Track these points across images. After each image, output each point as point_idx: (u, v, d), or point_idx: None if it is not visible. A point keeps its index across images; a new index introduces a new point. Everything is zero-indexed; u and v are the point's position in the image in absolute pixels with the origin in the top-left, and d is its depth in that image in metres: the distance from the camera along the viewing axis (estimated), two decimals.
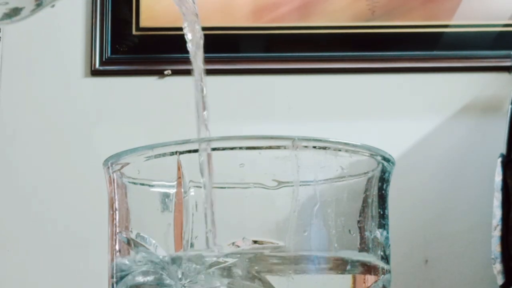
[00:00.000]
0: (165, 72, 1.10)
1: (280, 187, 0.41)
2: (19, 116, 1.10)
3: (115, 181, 0.44)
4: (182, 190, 0.42)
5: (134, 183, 0.44)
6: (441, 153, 1.08)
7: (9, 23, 0.46)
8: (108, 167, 0.45)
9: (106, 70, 1.11)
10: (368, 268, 0.44)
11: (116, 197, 0.44)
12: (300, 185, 0.41)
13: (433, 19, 1.12)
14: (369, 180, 0.44)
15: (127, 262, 0.43)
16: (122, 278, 0.43)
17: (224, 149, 0.42)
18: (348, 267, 0.43)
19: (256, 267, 0.40)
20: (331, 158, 0.41)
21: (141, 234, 0.42)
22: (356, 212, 0.43)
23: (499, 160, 0.92)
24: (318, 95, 1.10)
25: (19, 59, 1.12)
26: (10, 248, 1.07)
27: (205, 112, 0.50)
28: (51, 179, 1.08)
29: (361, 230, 0.43)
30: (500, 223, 0.90)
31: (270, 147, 0.41)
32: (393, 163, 0.45)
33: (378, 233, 0.44)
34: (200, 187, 0.43)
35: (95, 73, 1.11)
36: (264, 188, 0.41)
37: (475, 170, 1.07)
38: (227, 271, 0.40)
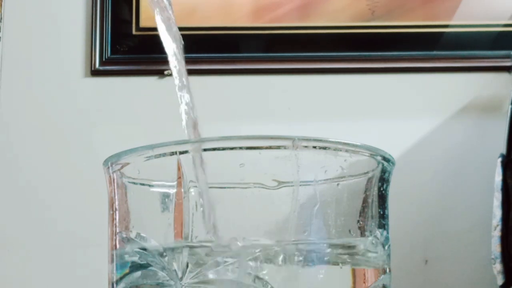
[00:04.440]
0: (165, 72, 1.10)
1: (280, 187, 0.41)
2: (19, 116, 1.10)
3: (115, 181, 0.44)
4: (182, 190, 0.42)
5: (134, 183, 0.44)
6: (441, 153, 1.08)
7: None
8: (108, 167, 0.45)
9: (106, 70, 1.11)
10: (368, 268, 0.44)
11: (116, 197, 0.44)
12: (300, 185, 0.41)
13: (433, 19, 1.12)
14: (369, 180, 0.44)
15: (127, 262, 0.43)
16: (122, 278, 0.43)
17: (224, 149, 0.42)
18: (348, 267, 0.43)
19: (256, 267, 0.40)
20: (331, 158, 0.41)
21: (141, 234, 0.42)
22: (356, 212, 0.43)
23: (499, 160, 0.92)
24: (318, 95, 1.10)
25: (19, 59, 1.12)
26: (10, 248, 1.07)
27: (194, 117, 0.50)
28: (51, 179, 1.08)
29: (361, 230, 0.43)
30: (500, 223, 0.90)
31: (270, 147, 0.41)
32: (393, 163, 0.45)
33: (378, 233, 0.44)
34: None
35: (95, 73, 1.11)
36: (264, 188, 0.41)
37: (475, 170, 1.07)
38: (227, 271, 0.40)
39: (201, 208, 0.42)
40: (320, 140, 0.41)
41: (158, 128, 1.08)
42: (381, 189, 0.45)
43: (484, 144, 1.07)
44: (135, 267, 0.42)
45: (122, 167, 0.44)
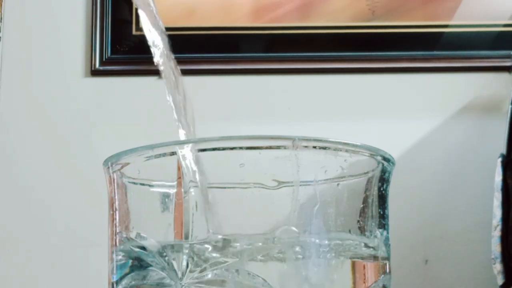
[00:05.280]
0: None
1: (280, 187, 0.41)
2: (19, 116, 1.10)
3: (115, 181, 0.44)
4: (182, 190, 0.42)
5: (134, 183, 0.44)
6: (441, 153, 1.08)
7: None
8: (108, 167, 0.45)
9: (106, 70, 1.11)
10: (368, 268, 0.44)
11: (116, 197, 0.44)
12: (300, 185, 0.41)
13: (433, 19, 1.12)
14: (369, 180, 0.44)
15: (127, 262, 0.43)
16: (122, 278, 0.43)
17: (224, 149, 0.42)
18: (348, 267, 0.43)
19: (256, 267, 0.40)
20: (331, 158, 0.41)
21: (141, 234, 0.42)
22: (356, 212, 0.43)
23: (499, 160, 0.92)
24: (318, 95, 1.10)
25: (19, 59, 1.12)
26: (10, 248, 1.07)
27: (187, 117, 0.50)
28: (51, 179, 1.08)
29: (361, 230, 0.43)
30: (500, 223, 0.90)
31: (270, 147, 0.41)
32: (393, 163, 0.45)
33: (378, 233, 0.44)
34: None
35: (95, 73, 1.11)
36: (264, 188, 0.41)
37: (475, 170, 1.07)
38: (227, 271, 0.40)
39: (200, 207, 0.42)
40: (320, 140, 0.41)
41: (158, 128, 1.08)
42: (381, 189, 0.45)
43: (484, 144, 1.07)
44: (135, 267, 0.42)
45: (122, 167, 0.44)
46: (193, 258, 0.40)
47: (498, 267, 0.89)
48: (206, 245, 0.41)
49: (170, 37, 0.58)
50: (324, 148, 0.41)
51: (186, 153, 0.41)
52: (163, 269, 0.41)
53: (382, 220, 0.45)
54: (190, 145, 0.42)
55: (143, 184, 0.44)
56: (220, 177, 0.42)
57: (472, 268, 1.04)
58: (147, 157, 0.42)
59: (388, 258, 0.45)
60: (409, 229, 1.05)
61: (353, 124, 1.08)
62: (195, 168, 0.42)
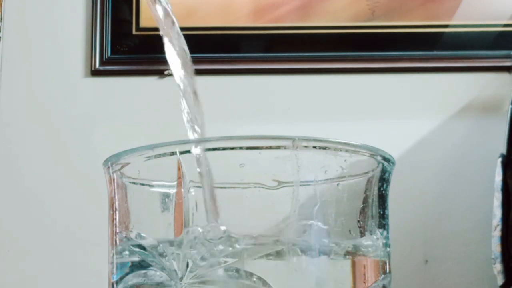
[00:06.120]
0: (165, 72, 1.10)
1: (280, 187, 0.41)
2: (19, 116, 1.10)
3: (115, 181, 0.44)
4: (182, 190, 0.42)
5: (134, 183, 0.44)
6: (441, 153, 1.08)
7: None
8: (108, 167, 0.45)
9: (106, 70, 1.11)
10: (368, 268, 0.44)
11: (116, 197, 0.44)
12: (300, 185, 0.41)
13: (433, 19, 1.12)
14: (369, 180, 0.44)
15: (127, 262, 0.43)
16: (122, 278, 0.43)
17: (224, 149, 0.42)
18: (348, 267, 0.43)
19: (256, 267, 0.40)
20: (331, 158, 0.41)
21: (141, 234, 0.42)
22: (356, 212, 0.43)
23: (499, 160, 0.92)
24: (318, 95, 1.10)
25: (19, 59, 1.12)
26: (10, 248, 1.07)
27: (198, 116, 0.50)
28: (51, 179, 1.08)
29: (361, 230, 0.43)
30: (500, 223, 0.90)
31: (270, 147, 0.41)
32: (393, 163, 0.45)
33: (378, 233, 0.44)
34: (201, 187, 0.43)
35: (95, 73, 1.11)
36: (264, 188, 0.41)
37: (475, 170, 1.07)
38: (227, 271, 0.40)
39: (203, 208, 0.42)
40: (320, 140, 0.41)
41: (158, 128, 1.08)
42: (381, 189, 0.45)
43: (484, 144, 1.07)
44: (135, 267, 0.42)
45: (122, 167, 0.44)
46: (193, 258, 0.40)
47: (498, 267, 0.89)
48: (206, 245, 0.41)
49: None
50: (324, 148, 0.41)
51: (194, 153, 0.41)
52: (163, 269, 0.41)
53: (382, 220, 0.45)
54: (191, 145, 0.42)
55: (143, 184, 0.44)
56: (220, 177, 0.42)
57: (472, 268, 1.04)
58: (147, 157, 0.42)
59: (388, 258, 0.45)
60: (409, 229, 1.05)
61: (353, 124, 1.08)
62: (198, 169, 0.42)
